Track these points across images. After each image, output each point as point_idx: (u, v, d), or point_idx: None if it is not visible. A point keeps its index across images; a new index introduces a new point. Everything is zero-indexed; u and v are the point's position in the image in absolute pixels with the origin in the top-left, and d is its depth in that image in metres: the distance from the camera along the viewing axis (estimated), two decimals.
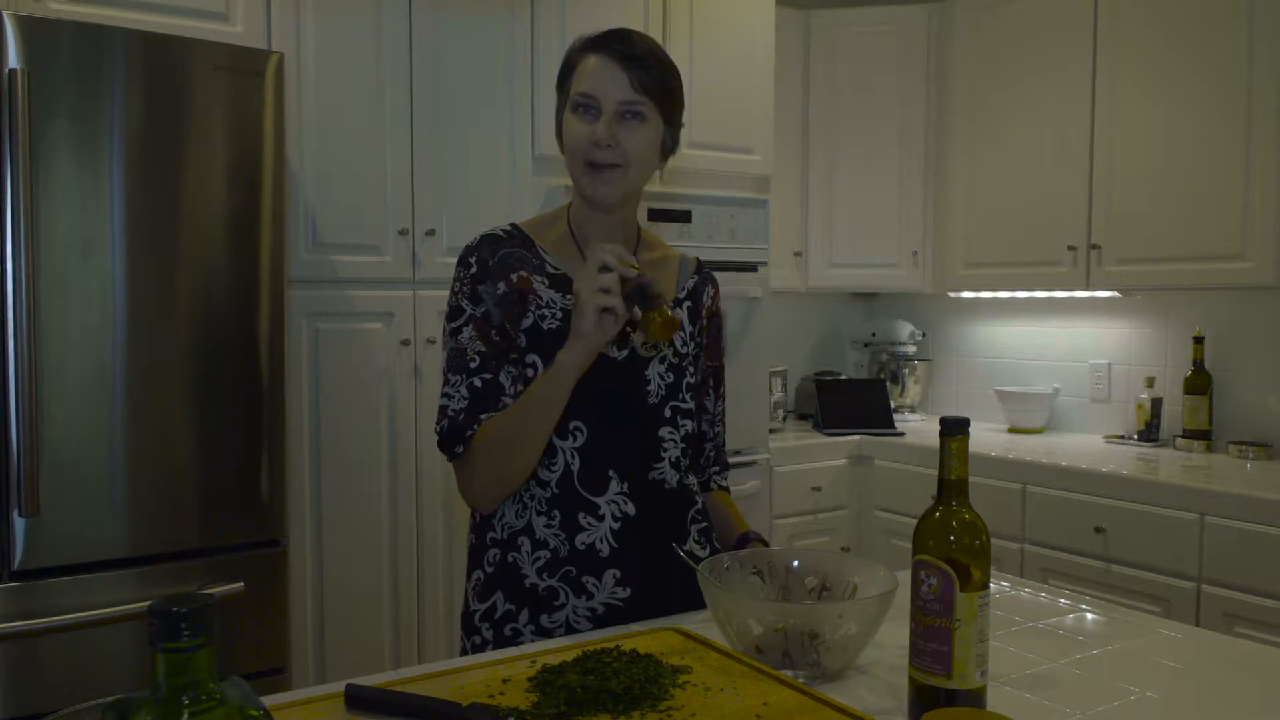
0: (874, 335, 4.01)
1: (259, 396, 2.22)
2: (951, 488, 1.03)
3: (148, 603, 2.11)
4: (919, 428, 3.68)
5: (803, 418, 3.95)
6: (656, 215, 2.96)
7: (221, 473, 2.18)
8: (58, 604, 1.99)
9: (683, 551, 1.40)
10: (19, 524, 1.95)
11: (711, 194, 3.11)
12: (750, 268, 3.20)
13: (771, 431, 3.46)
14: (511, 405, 1.37)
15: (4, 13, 1.91)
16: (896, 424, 3.66)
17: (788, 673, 1.13)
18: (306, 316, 2.50)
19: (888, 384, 3.84)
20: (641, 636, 1.25)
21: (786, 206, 3.69)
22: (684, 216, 3.03)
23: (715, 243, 3.09)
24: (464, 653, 1.48)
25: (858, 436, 3.55)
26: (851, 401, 3.68)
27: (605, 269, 1.25)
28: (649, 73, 1.39)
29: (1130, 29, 3.04)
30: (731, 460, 3.09)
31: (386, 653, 2.65)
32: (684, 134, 2.93)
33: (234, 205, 2.17)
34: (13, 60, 1.91)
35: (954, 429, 1.01)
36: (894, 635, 1.24)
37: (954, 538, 1.01)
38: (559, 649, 1.20)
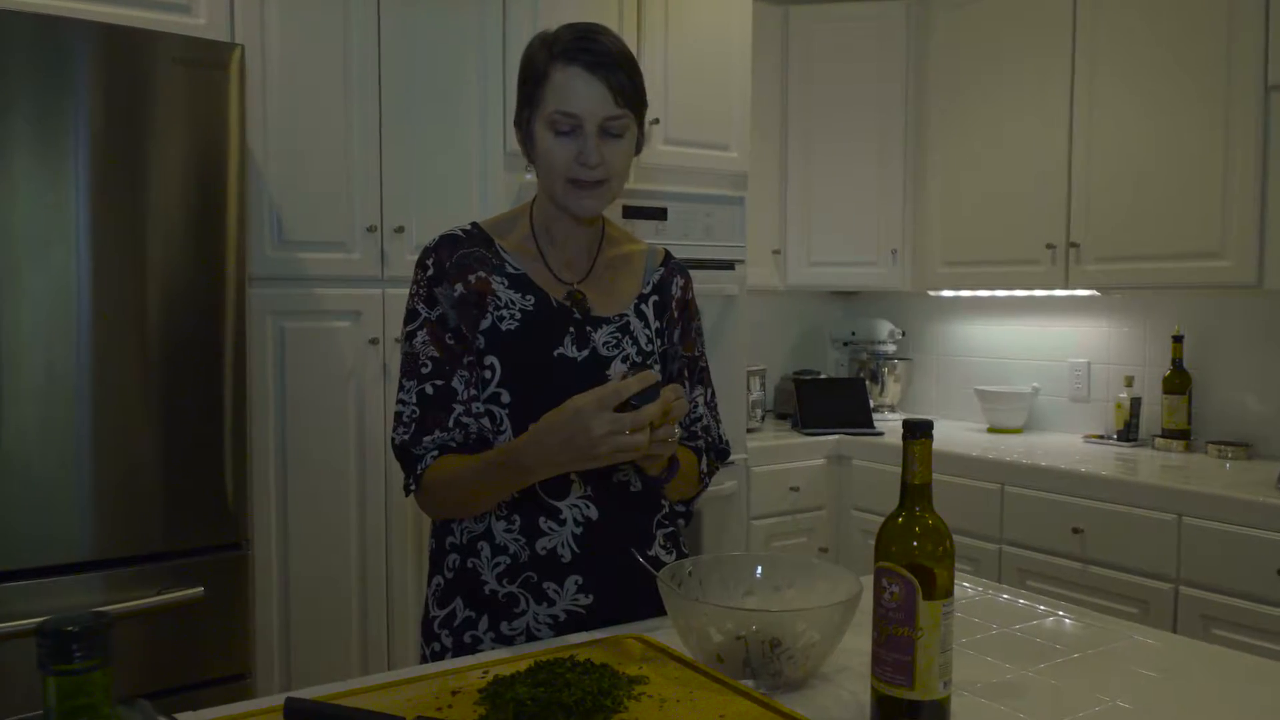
0: (853, 334, 3.99)
1: (222, 396, 2.17)
2: (914, 492, 0.99)
3: (113, 606, 2.05)
4: (898, 427, 3.65)
5: (782, 417, 3.92)
6: (631, 213, 2.92)
7: (183, 474, 2.13)
8: (17, 608, 1.94)
9: (644, 557, 1.37)
10: None
11: (687, 191, 3.07)
12: (727, 266, 3.16)
13: (749, 431, 3.43)
14: (467, 469, 1.32)
15: None
16: (876, 423, 3.63)
17: (749, 682, 1.09)
18: (271, 315, 2.45)
19: (867, 383, 3.81)
20: (600, 645, 1.21)
21: (765, 204, 3.66)
22: (659, 214, 2.99)
23: (691, 240, 3.05)
24: (423, 659, 1.45)
25: (836, 436, 3.53)
26: (830, 401, 3.65)
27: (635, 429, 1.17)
28: (625, 79, 1.34)
29: (1109, 26, 3.02)
30: None
31: (354, 658, 2.60)
32: (660, 130, 2.93)
33: (197, 201, 2.12)
34: None
35: (916, 432, 0.98)
36: (862, 642, 1.20)
37: (917, 544, 0.98)
38: (514, 658, 1.17)
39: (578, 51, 1.32)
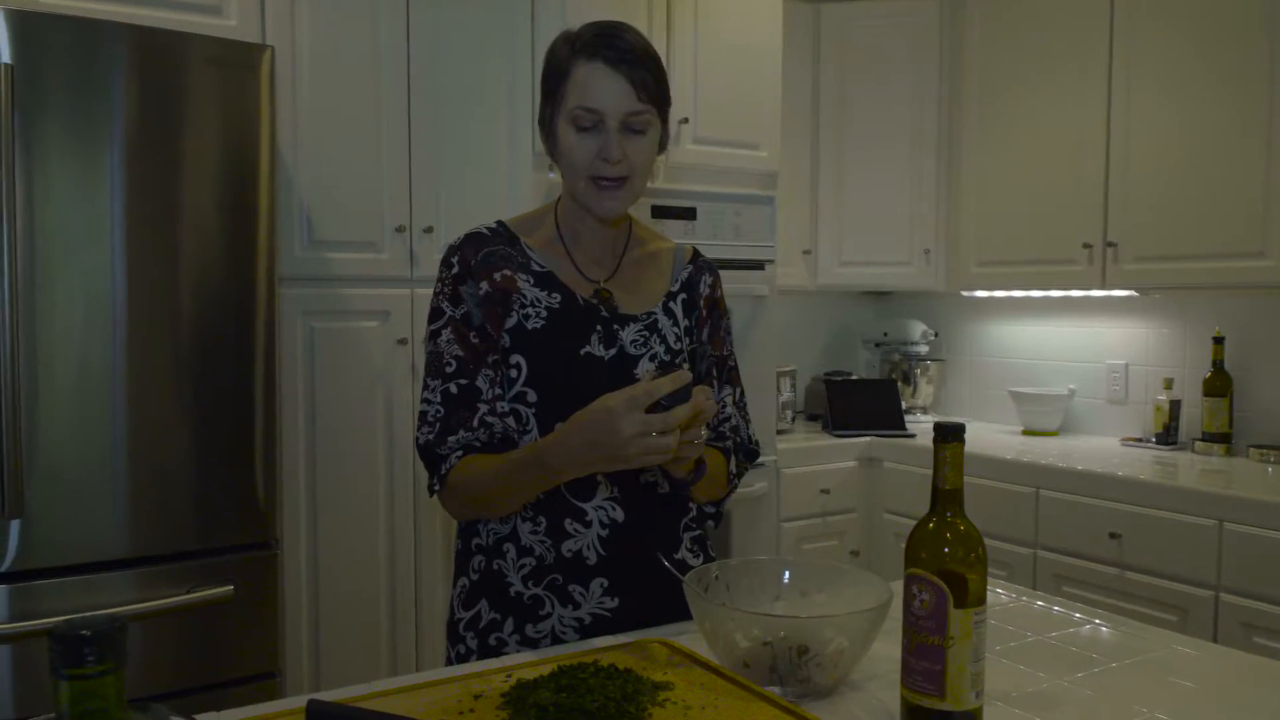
0: (885, 335, 3.94)
1: (253, 396, 2.18)
2: (945, 497, 0.97)
3: (144, 604, 2.06)
4: (930, 429, 3.60)
5: (812, 418, 3.88)
6: (660, 212, 2.91)
7: (215, 473, 2.14)
8: (50, 606, 1.96)
9: (670, 561, 1.35)
10: (10, 525, 1.92)
11: (716, 190, 3.04)
12: (756, 266, 3.14)
13: (780, 433, 3.40)
14: (493, 469, 1.31)
15: None
16: (908, 425, 3.59)
17: (775, 689, 1.07)
18: (301, 315, 2.46)
19: (899, 384, 3.77)
20: (625, 649, 1.20)
21: (795, 203, 3.63)
22: (688, 214, 2.97)
23: (720, 240, 3.03)
24: (448, 662, 1.44)
25: (867, 438, 3.49)
26: (862, 402, 3.61)
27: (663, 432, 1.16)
28: (647, 75, 1.33)
29: (1147, 21, 2.96)
30: None
31: (383, 657, 2.61)
32: (689, 129, 2.91)
33: (228, 202, 2.14)
34: (3, 55, 1.88)
35: (948, 435, 0.96)
36: (892, 650, 1.18)
37: (948, 550, 0.95)
38: (537, 662, 1.15)
39: (600, 47, 1.31)
